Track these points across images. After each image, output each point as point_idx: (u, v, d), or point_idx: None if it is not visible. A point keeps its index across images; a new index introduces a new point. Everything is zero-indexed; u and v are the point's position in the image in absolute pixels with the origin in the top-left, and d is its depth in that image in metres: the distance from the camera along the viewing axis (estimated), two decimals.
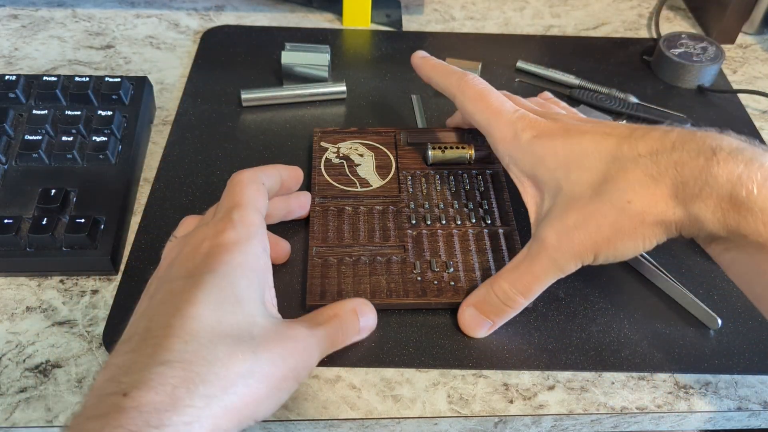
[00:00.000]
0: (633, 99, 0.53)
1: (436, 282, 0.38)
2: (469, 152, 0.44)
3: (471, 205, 0.42)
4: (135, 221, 0.43)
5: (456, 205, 0.42)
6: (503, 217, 0.42)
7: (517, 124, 0.36)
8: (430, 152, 0.44)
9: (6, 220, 0.39)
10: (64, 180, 0.42)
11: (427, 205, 0.42)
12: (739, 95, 0.56)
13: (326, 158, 0.45)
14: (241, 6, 0.63)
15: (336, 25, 0.61)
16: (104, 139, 0.44)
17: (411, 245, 0.40)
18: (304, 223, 0.42)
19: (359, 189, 0.43)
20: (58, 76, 0.47)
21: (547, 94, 0.44)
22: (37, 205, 0.40)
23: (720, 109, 0.54)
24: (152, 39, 0.59)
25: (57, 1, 0.62)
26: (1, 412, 0.34)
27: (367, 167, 0.44)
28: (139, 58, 0.57)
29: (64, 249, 0.39)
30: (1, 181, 0.42)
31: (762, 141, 0.51)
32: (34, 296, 0.39)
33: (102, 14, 0.61)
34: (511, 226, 0.41)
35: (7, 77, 0.47)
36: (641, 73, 0.57)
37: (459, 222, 0.41)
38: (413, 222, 0.41)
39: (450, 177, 0.44)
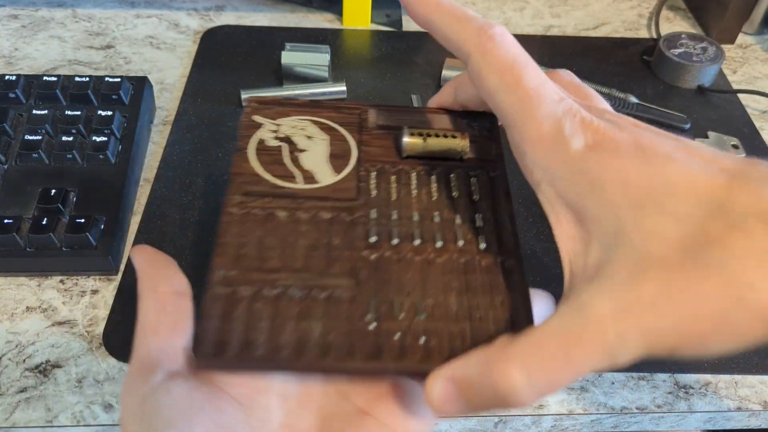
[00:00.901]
0: (633, 99, 0.53)
1: (398, 335, 0.25)
2: (462, 144, 0.31)
3: (459, 220, 0.29)
4: (135, 221, 0.43)
5: (437, 218, 0.29)
6: (505, 241, 0.29)
7: (563, 122, 0.24)
8: (406, 139, 0.31)
9: (6, 220, 0.39)
10: (64, 180, 0.42)
11: (395, 216, 0.29)
12: (739, 95, 0.56)
13: (259, 138, 0.32)
14: (241, 6, 0.63)
15: (336, 25, 0.61)
16: (104, 139, 0.44)
17: (366, 275, 0.27)
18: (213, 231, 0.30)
19: (301, 186, 0.30)
20: (58, 76, 0.47)
21: (568, 75, 0.29)
22: (37, 205, 0.40)
23: (720, 109, 0.54)
24: (152, 39, 0.59)
25: (57, 2, 0.62)
26: (1, 412, 0.34)
27: (315, 155, 0.31)
28: (139, 58, 0.57)
29: (64, 249, 0.39)
30: (1, 181, 0.42)
31: (762, 141, 0.51)
32: (34, 296, 0.39)
33: (102, 14, 0.61)
34: (515, 257, 0.28)
35: (7, 77, 0.47)
36: (641, 73, 0.57)
37: (440, 244, 0.28)
38: (373, 240, 0.28)
39: (432, 177, 0.31)
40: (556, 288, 0.26)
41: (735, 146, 0.50)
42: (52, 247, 0.39)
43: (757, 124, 0.53)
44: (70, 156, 0.43)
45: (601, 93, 0.53)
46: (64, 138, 0.44)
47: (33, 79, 0.48)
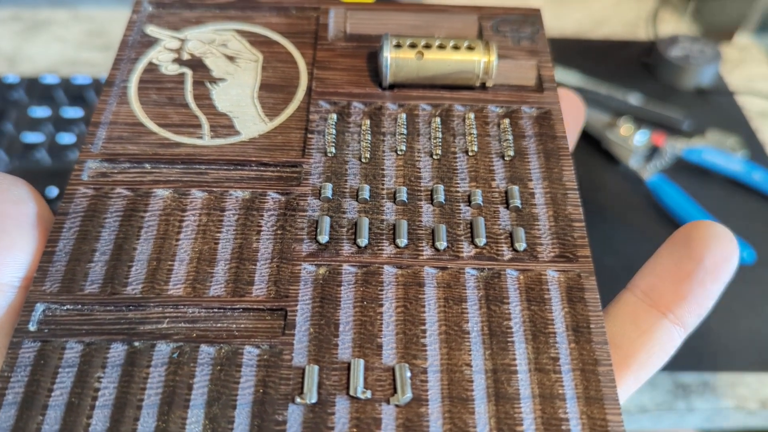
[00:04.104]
0: (632, 100, 0.53)
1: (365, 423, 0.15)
2: (484, 60, 0.19)
3: (479, 197, 0.18)
4: None
5: (440, 195, 0.18)
6: (560, 232, 0.17)
7: None
8: (388, 54, 0.19)
9: None
10: (64, 180, 0.42)
11: (365, 193, 0.18)
12: (737, 96, 0.56)
13: (150, 62, 0.20)
14: None
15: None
16: None
17: (308, 306, 0.16)
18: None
19: (206, 141, 0.19)
20: (58, 76, 0.48)
21: None
22: None
23: (718, 110, 0.54)
24: None
25: (58, 2, 0.62)
26: None
27: (237, 87, 0.20)
28: None
29: None
30: None
31: (759, 142, 0.51)
32: None
33: (102, 14, 0.61)
34: (581, 262, 0.17)
35: (8, 78, 0.47)
36: (640, 74, 0.58)
37: (442, 245, 0.17)
38: (323, 239, 0.17)
39: (433, 120, 0.19)
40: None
41: (733, 147, 0.50)
42: None
43: (754, 125, 0.53)
44: (70, 156, 0.43)
45: (600, 93, 0.53)
46: (65, 138, 0.44)
47: (34, 80, 0.48)
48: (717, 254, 0.17)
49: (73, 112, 0.45)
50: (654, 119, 0.52)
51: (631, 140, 0.48)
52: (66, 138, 0.44)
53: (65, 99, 0.47)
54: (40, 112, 0.45)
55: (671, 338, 0.17)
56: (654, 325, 0.17)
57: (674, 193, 0.45)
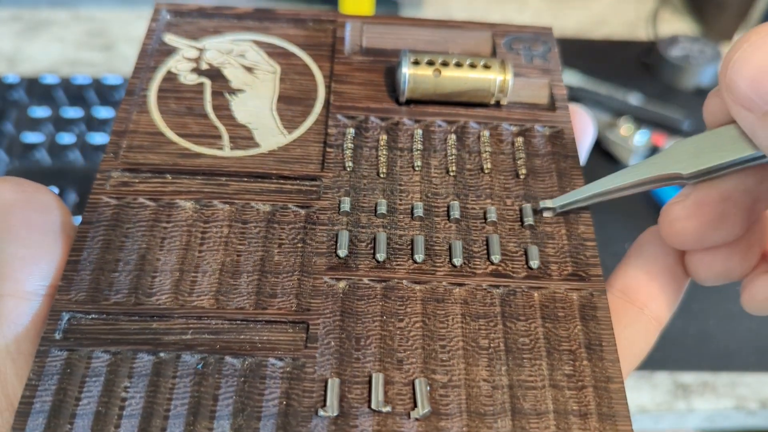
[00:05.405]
0: (632, 100, 0.53)
1: None
2: (499, 78, 0.19)
3: (492, 213, 0.18)
4: None
5: (455, 212, 0.18)
6: (573, 250, 0.18)
7: None
8: (406, 70, 0.19)
9: None
10: (64, 180, 0.42)
11: (383, 208, 0.18)
12: None
13: (168, 71, 0.21)
14: (238, 2, 0.63)
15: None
16: (105, 138, 0.44)
17: (329, 320, 0.16)
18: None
19: (227, 153, 0.19)
20: (58, 76, 0.48)
21: None
22: None
23: None
24: None
25: (58, 2, 0.62)
26: None
27: (256, 99, 0.20)
28: None
29: None
30: None
31: None
32: None
33: (102, 15, 0.61)
34: (593, 281, 0.17)
35: (8, 78, 0.47)
36: (640, 74, 0.57)
37: (458, 261, 0.17)
38: (342, 253, 0.17)
39: (449, 137, 0.20)
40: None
41: None
42: None
43: None
44: (70, 156, 0.43)
45: (600, 94, 0.53)
46: (65, 138, 0.44)
47: (34, 80, 0.48)
48: (677, 253, 0.19)
49: (73, 112, 0.45)
50: (654, 119, 0.52)
51: (631, 140, 0.48)
52: (66, 138, 0.44)
53: (65, 99, 0.47)
54: (40, 112, 0.45)
55: (650, 330, 0.19)
56: (634, 320, 0.18)
57: (674, 193, 0.45)
